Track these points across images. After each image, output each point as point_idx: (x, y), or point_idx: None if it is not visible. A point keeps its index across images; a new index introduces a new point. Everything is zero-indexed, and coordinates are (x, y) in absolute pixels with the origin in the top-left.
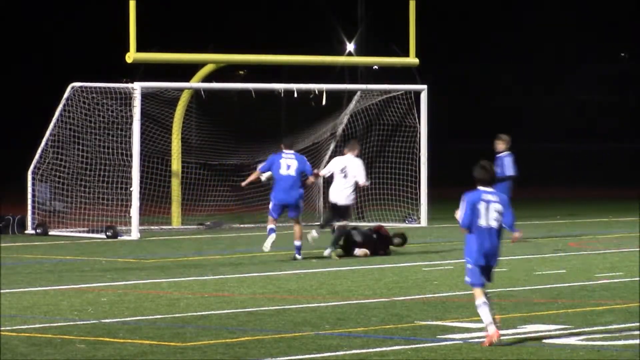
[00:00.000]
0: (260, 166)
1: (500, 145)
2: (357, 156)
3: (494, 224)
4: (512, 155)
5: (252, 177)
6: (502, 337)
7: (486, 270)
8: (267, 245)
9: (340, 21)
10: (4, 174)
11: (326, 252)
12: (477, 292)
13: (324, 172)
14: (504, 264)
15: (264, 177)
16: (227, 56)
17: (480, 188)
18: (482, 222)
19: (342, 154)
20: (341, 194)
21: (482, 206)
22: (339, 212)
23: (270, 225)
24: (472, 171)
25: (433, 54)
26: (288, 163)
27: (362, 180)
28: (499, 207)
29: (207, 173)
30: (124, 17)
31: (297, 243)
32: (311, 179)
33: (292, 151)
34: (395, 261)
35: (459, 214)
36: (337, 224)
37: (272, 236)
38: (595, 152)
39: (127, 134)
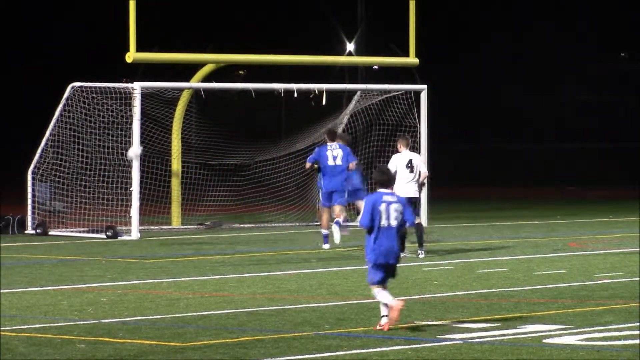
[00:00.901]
0: (308, 158)
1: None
2: (411, 149)
3: (394, 223)
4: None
5: (307, 165)
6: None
7: (387, 268)
8: (337, 238)
9: (340, 21)
10: (4, 174)
11: (421, 255)
12: (375, 288)
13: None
14: (504, 263)
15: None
16: (227, 56)
17: (380, 190)
18: (383, 222)
19: (397, 151)
20: (411, 187)
21: (382, 207)
22: (412, 206)
23: (335, 219)
24: (372, 175)
25: (433, 54)
26: (334, 154)
27: (424, 171)
28: (398, 206)
29: (207, 173)
30: (124, 17)
31: (339, 220)
32: (351, 165)
33: (335, 142)
34: None
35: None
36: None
37: (336, 228)
38: (595, 152)
39: (127, 134)
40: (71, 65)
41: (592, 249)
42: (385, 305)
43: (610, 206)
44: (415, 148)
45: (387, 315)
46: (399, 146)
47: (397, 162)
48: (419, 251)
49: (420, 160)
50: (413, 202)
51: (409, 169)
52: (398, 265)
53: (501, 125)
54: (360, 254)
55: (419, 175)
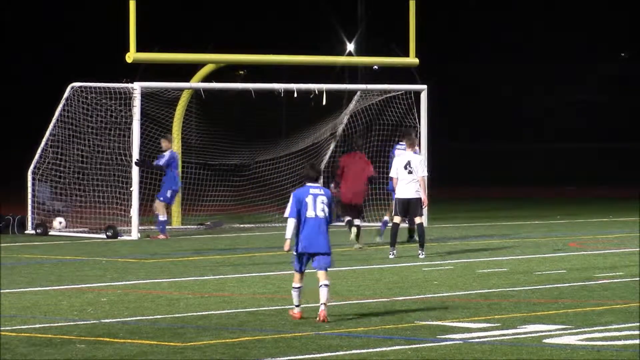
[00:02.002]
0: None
1: (165, 144)
2: (415, 151)
3: (320, 215)
4: (172, 152)
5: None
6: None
7: (313, 257)
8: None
9: (340, 21)
10: (4, 174)
11: (421, 255)
12: (296, 277)
13: (393, 174)
14: (504, 263)
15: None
16: (227, 56)
17: (308, 184)
18: (310, 213)
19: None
20: (411, 188)
21: (309, 199)
22: (413, 207)
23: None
24: (302, 170)
25: (433, 54)
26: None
27: (421, 173)
28: (325, 199)
29: (207, 173)
30: (124, 17)
31: (386, 219)
32: None
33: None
34: (395, 261)
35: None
36: (417, 221)
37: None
38: (595, 152)
39: (127, 134)
40: (71, 65)
41: (592, 249)
42: (298, 295)
43: (610, 206)
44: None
45: (299, 306)
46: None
47: (397, 165)
48: (420, 252)
49: (420, 162)
50: (413, 203)
51: (407, 170)
52: (329, 254)
53: (501, 125)
54: (360, 255)
55: (420, 174)
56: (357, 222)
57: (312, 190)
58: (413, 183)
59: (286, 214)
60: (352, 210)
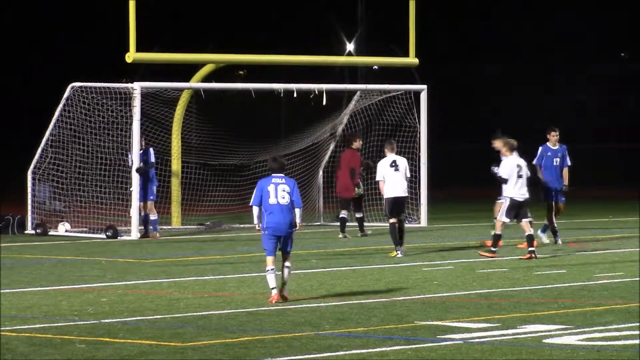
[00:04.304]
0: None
1: (144, 142)
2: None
3: (282, 202)
4: (150, 147)
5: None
6: (286, 300)
7: (278, 239)
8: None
9: (340, 21)
10: (4, 174)
11: (400, 254)
12: (269, 260)
13: (378, 177)
14: (504, 263)
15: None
16: (227, 56)
17: (272, 174)
18: (272, 200)
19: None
20: (399, 187)
21: (271, 188)
22: (401, 205)
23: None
24: (267, 163)
25: (433, 54)
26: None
27: (407, 174)
28: (286, 187)
29: (207, 173)
30: (124, 17)
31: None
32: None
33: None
34: (396, 261)
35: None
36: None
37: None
38: (595, 152)
39: (127, 134)
40: (71, 65)
41: (592, 249)
42: (273, 277)
43: (610, 206)
44: (415, 148)
45: (276, 288)
46: (385, 151)
47: (383, 166)
48: (398, 249)
49: (405, 164)
50: (400, 201)
51: (393, 167)
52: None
53: (501, 125)
54: (360, 255)
55: (406, 175)
56: (343, 213)
57: (274, 180)
58: (401, 181)
59: (251, 202)
60: (343, 203)
